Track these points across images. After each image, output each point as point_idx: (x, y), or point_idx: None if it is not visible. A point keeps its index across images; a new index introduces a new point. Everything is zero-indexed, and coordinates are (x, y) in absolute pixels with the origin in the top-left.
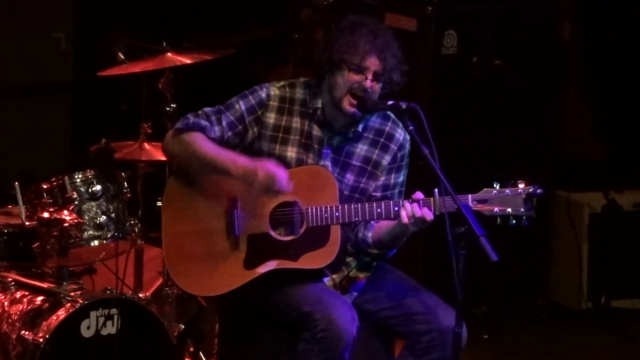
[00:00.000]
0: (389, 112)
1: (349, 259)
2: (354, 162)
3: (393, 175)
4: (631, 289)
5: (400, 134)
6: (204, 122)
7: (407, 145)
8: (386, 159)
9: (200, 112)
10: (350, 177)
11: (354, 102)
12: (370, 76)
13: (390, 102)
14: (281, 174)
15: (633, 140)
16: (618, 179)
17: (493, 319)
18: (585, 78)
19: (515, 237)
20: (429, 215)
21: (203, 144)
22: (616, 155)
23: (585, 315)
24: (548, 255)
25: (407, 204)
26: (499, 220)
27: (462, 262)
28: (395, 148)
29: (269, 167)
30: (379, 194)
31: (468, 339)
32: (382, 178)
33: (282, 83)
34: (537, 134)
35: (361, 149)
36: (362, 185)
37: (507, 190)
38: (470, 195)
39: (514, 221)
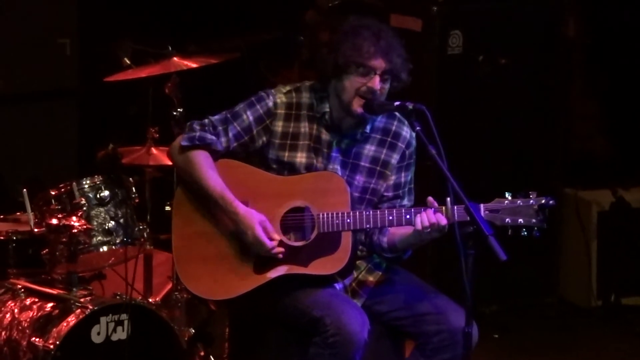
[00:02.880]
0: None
1: (358, 262)
2: (362, 163)
3: (403, 174)
4: None
5: (407, 132)
6: (209, 137)
7: (414, 142)
8: (395, 158)
9: (206, 121)
10: (360, 179)
11: (362, 102)
12: (377, 78)
13: (397, 103)
14: (267, 244)
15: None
16: (626, 176)
17: (503, 318)
18: (591, 76)
19: (523, 237)
20: (442, 220)
21: (203, 173)
22: (623, 152)
23: (595, 313)
24: (557, 253)
25: (422, 213)
26: (510, 231)
27: (471, 262)
28: (403, 146)
29: (259, 232)
30: (390, 194)
31: (478, 338)
32: (393, 177)
33: (287, 88)
34: (544, 133)
35: (369, 149)
36: (372, 185)
37: (519, 201)
38: (482, 205)
39: (525, 232)
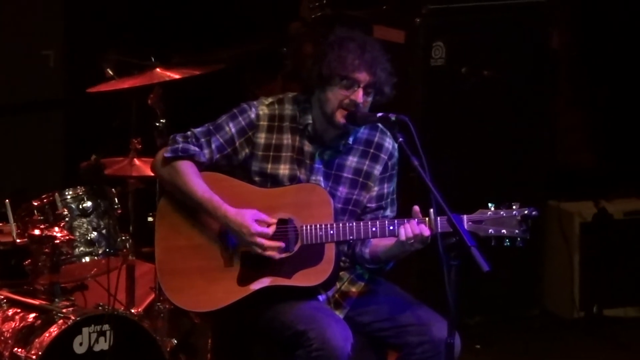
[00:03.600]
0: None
1: (341, 272)
2: (345, 175)
3: (386, 185)
4: (623, 297)
5: (389, 143)
6: (192, 149)
7: (396, 154)
8: (377, 169)
9: (189, 133)
10: (343, 190)
11: (345, 113)
12: (360, 90)
13: (379, 115)
14: (267, 231)
15: (623, 149)
16: (608, 187)
17: (486, 329)
18: (575, 88)
19: (506, 247)
20: (425, 231)
21: (189, 181)
22: (607, 164)
23: (578, 325)
24: (540, 264)
25: (406, 224)
26: (493, 241)
27: (454, 273)
28: (386, 157)
29: (255, 227)
30: (373, 205)
31: (461, 350)
32: (376, 188)
33: (270, 100)
34: (528, 144)
35: (352, 160)
36: (355, 196)
37: (502, 212)
38: (465, 216)
39: (508, 242)
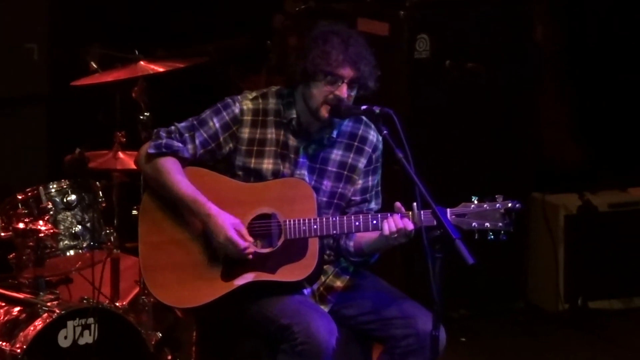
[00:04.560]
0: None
1: (325, 266)
2: (330, 168)
3: (370, 178)
4: (608, 289)
5: (373, 136)
6: (176, 144)
7: (380, 146)
8: (362, 162)
9: (173, 128)
10: (327, 184)
11: (329, 107)
12: (344, 86)
13: (363, 107)
14: (240, 244)
15: (608, 142)
16: (593, 180)
17: (471, 322)
18: (560, 81)
19: (490, 241)
20: (409, 225)
21: (172, 178)
22: (591, 157)
23: (563, 317)
24: (525, 257)
25: (389, 219)
26: (476, 235)
27: (439, 266)
28: (370, 150)
29: (232, 234)
30: (358, 198)
31: (446, 342)
32: (360, 182)
33: (254, 94)
34: (513, 137)
35: (336, 154)
36: (340, 190)
37: (486, 205)
38: (448, 210)
39: (492, 236)
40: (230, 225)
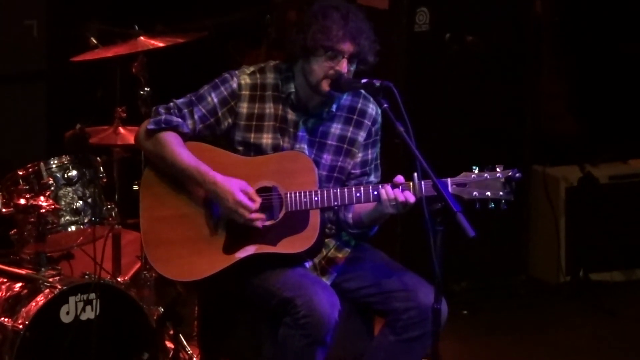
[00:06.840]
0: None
1: (327, 239)
2: (329, 142)
3: (370, 151)
4: (609, 261)
5: (372, 109)
6: (175, 120)
7: (379, 119)
8: (361, 135)
9: (171, 104)
10: (327, 157)
11: (330, 81)
12: (345, 61)
13: (364, 81)
14: (250, 205)
15: (608, 114)
16: (594, 152)
17: (472, 295)
18: (559, 54)
19: (491, 210)
20: (411, 198)
21: (174, 150)
22: (592, 128)
23: (564, 290)
24: (526, 230)
25: (388, 188)
26: (477, 204)
27: (440, 239)
28: (369, 123)
29: (240, 196)
30: (358, 171)
31: (448, 315)
32: (360, 155)
33: (251, 69)
34: (513, 110)
35: (335, 127)
36: (340, 163)
37: (486, 174)
38: (449, 179)
39: (492, 205)
40: (237, 188)
